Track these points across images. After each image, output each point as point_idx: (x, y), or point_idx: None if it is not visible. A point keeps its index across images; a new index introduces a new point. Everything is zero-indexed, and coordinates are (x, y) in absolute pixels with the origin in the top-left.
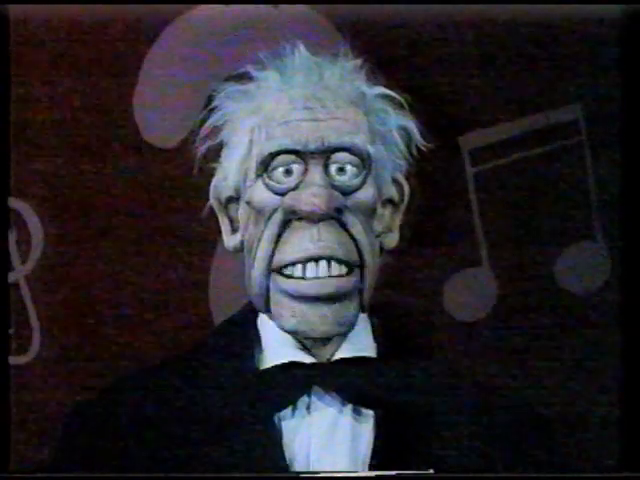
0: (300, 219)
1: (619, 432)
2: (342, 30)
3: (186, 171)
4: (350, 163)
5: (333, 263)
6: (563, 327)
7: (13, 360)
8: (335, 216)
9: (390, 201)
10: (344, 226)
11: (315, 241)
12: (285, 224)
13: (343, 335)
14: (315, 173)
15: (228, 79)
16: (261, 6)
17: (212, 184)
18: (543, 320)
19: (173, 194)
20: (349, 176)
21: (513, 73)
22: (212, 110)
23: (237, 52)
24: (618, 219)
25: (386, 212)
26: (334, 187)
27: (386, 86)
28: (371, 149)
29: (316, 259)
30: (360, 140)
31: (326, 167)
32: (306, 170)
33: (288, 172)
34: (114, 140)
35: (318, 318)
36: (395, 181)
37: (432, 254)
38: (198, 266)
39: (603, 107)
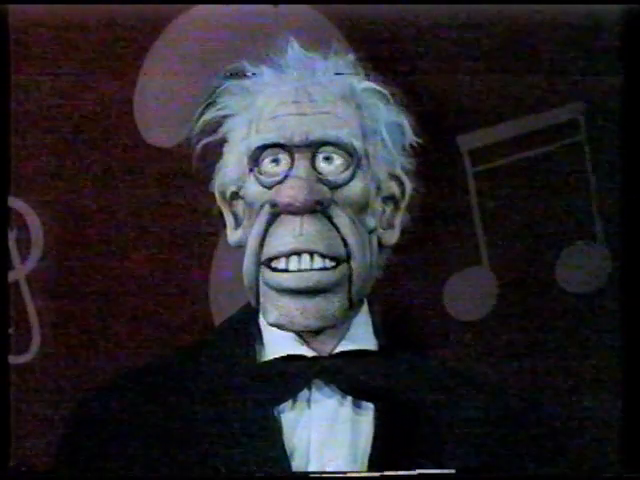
0: (286, 212)
1: (620, 432)
2: (341, 28)
3: (186, 170)
4: (336, 154)
5: (316, 257)
6: (563, 327)
7: (13, 360)
8: (319, 209)
9: (391, 198)
10: (330, 219)
11: (297, 235)
12: (273, 217)
13: (334, 328)
14: (300, 167)
15: (225, 74)
16: (261, 5)
17: (217, 180)
18: (543, 320)
19: (173, 193)
20: (336, 167)
21: (513, 73)
22: (209, 106)
23: (237, 51)
24: (618, 219)
25: (387, 209)
26: (321, 181)
27: (382, 82)
28: (357, 143)
29: (298, 253)
30: (345, 134)
31: (313, 161)
32: (292, 164)
33: (276, 161)
34: (114, 139)
35: (299, 311)
36: (395, 177)
37: (432, 254)
38: (198, 266)
39: (603, 107)
